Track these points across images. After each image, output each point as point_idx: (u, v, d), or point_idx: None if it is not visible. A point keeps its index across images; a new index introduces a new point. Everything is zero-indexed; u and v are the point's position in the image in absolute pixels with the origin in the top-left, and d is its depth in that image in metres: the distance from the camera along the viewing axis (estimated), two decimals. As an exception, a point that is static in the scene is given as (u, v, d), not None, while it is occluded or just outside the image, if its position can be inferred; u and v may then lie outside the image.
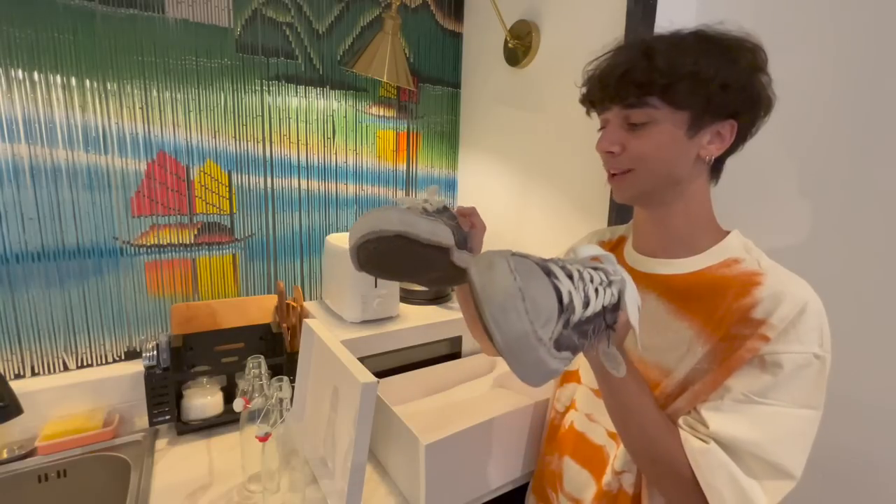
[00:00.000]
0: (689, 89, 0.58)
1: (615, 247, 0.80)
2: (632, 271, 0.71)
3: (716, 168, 0.66)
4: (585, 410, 0.76)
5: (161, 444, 1.00)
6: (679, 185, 0.64)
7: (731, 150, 0.64)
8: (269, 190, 1.27)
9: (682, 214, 0.66)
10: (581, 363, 0.80)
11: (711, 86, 0.57)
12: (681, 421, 0.61)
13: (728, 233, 0.67)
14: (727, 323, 0.59)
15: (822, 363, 0.56)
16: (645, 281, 0.68)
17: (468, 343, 1.27)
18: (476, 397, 1.09)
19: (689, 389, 0.61)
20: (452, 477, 0.81)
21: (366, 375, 0.73)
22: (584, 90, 0.67)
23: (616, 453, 0.69)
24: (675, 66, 0.57)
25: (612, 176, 0.67)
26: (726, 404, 0.58)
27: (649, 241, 0.71)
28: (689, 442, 0.58)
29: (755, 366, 0.57)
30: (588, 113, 0.69)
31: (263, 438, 0.78)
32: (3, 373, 0.90)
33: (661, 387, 0.64)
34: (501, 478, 0.89)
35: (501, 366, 1.17)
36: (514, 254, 0.45)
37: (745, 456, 0.56)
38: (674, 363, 0.63)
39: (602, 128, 0.67)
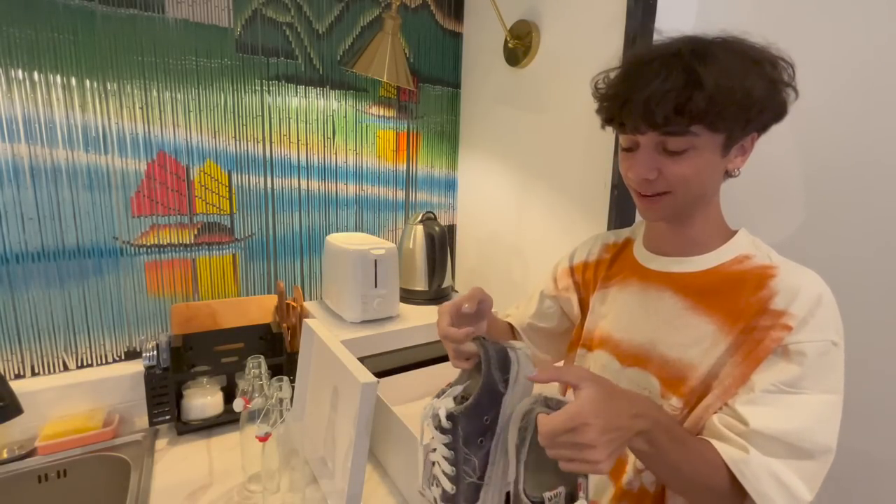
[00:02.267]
0: (733, 116, 0.58)
1: (622, 248, 0.80)
2: (645, 270, 0.72)
3: None
4: None
5: (161, 444, 1.00)
6: (704, 199, 0.65)
7: None
8: (269, 190, 1.27)
9: (701, 221, 0.67)
10: (589, 366, 0.77)
11: (753, 111, 0.58)
12: (716, 419, 0.61)
13: (736, 231, 0.68)
14: (747, 315, 0.60)
15: (839, 350, 0.58)
16: (660, 279, 0.69)
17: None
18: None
19: (716, 383, 0.62)
20: None
21: (366, 375, 0.73)
22: (607, 109, 0.64)
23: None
24: (726, 96, 0.56)
25: (643, 197, 0.65)
26: (758, 396, 0.58)
27: (663, 243, 0.72)
28: (729, 453, 0.58)
29: (780, 356, 0.58)
30: (604, 127, 0.67)
31: (263, 438, 0.78)
32: (3, 373, 0.89)
33: (687, 382, 0.64)
34: None
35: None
36: None
37: (785, 446, 0.57)
38: (698, 358, 0.63)
39: (627, 149, 0.65)
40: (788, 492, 0.56)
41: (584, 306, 0.82)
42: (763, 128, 0.62)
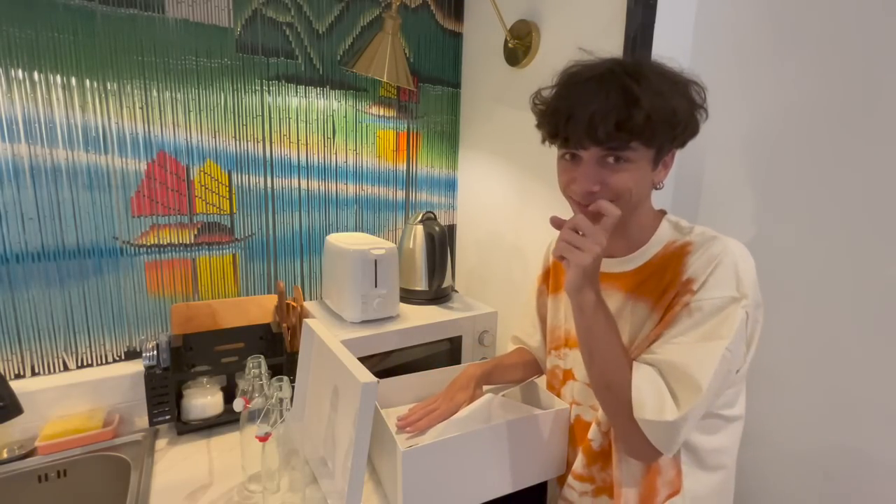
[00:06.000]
0: (665, 132, 0.64)
1: None
2: (602, 274, 0.79)
3: None
4: (589, 402, 0.82)
5: (161, 444, 1.00)
6: (638, 208, 0.72)
7: None
8: (269, 190, 1.27)
9: (635, 226, 0.74)
10: (574, 363, 0.84)
11: (678, 128, 0.65)
12: None
13: (662, 216, 0.75)
14: (670, 290, 0.68)
15: (739, 303, 0.64)
16: (608, 279, 0.77)
17: (468, 343, 1.27)
18: (479, 406, 1.04)
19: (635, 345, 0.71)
20: (433, 488, 0.77)
21: (366, 375, 0.73)
22: (550, 124, 0.69)
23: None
24: (659, 114, 0.62)
25: (584, 208, 0.70)
26: (655, 346, 0.67)
27: (608, 246, 0.77)
28: (636, 364, 0.68)
29: (683, 315, 0.66)
30: (544, 142, 0.73)
31: (263, 438, 0.78)
32: (3, 373, 0.90)
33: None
34: (489, 492, 0.83)
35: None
36: None
37: (665, 368, 0.65)
38: (644, 336, 0.72)
39: (562, 156, 0.71)
40: (659, 398, 0.63)
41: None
42: (682, 144, 0.69)
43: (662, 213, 0.77)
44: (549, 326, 0.91)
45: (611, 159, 0.65)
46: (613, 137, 0.63)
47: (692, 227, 0.73)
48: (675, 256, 0.70)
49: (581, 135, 0.64)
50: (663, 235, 0.74)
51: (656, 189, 0.73)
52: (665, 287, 0.69)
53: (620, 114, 0.61)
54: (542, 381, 0.96)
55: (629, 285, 0.74)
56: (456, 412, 0.86)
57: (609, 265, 0.78)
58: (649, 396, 0.64)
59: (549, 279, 0.92)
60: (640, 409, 0.64)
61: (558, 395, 0.88)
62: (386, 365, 1.16)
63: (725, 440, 0.72)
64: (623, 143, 0.63)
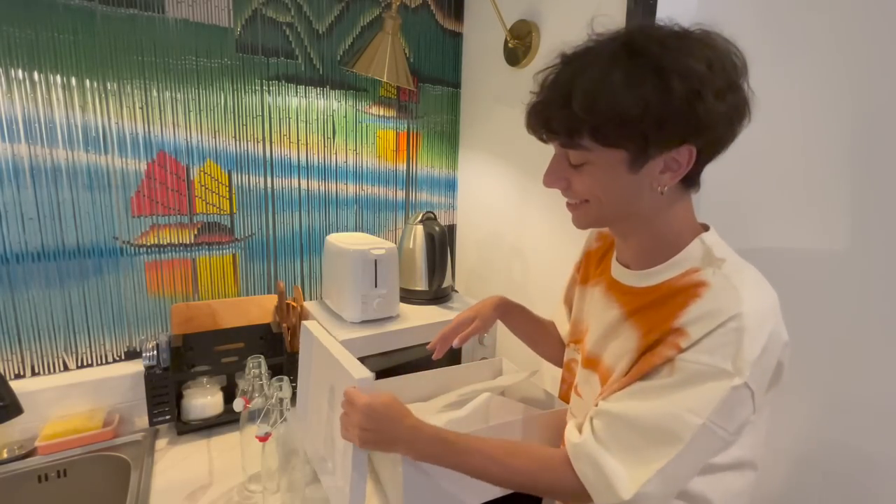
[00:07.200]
0: (618, 131, 0.55)
1: (609, 248, 0.81)
2: (612, 279, 0.74)
3: (689, 178, 0.61)
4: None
5: (161, 444, 1.00)
6: (639, 215, 0.63)
7: (707, 161, 0.60)
8: (269, 190, 1.27)
9: (648, 238, 0.65)
10: (579, 379, 0.79)
11: (643, 124, 0.53)
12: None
13: (698, 233, 0.64)
14: (657, 331, 0.59)
15: (728, 379, 0.53)
16: (617, 290, 0.71)
17: (468, 343, 1.26)
18: (477, 406, 1.05)
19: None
20: (433, 488, 0.78)
21: (360, 371, 0.73)
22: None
23: None
24: (597, 109, 0.54)
25: (568, 205, 0.69)
26: (624, 393, 0.61)
27: (623, 254, 0.72)
28: (569, 434, 0.65)
29: (664, 371, 0.58)
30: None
31: (263, 438, 0.78)
32: (3, 373, 0.90)
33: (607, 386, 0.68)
34: (490, 492, 0.82)
35: (507, 372, 1.16)
36: None
37: (620, 427, 0.60)
38: (622, 367, 0.65)
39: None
40: (606, 479, 0.58)
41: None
42: (682, 142, 0.55)
43: (702, 228, 0.65)
44: (574, 318, 0.85)
45: (571, 158, 0.61)
46: (556, 136, 0.60)
47: (724, 259, 0.60)
48: (683, 293, 0.59)
49: (533, 132, 0.63)
50: (689, 258, 0.62)
51: (661, 194, 0.60)
52: (656, 324, 0.60)
53: (552, 111, 0.58)
54: (542, 382, 0.96)
55: (631, 305, 0.67)
56: (470, 323, 0.91)
57: (623, 275, 0.71)
58: (597, 479, 0.59)
59: (582, 268, 0.86)
60: (599, 495, 0.59)
61: (570, 388, 0.83)
62: (386, 365, 1.16)
63: (708, 487, 0.62)
64: (569, 141, 0.58)
